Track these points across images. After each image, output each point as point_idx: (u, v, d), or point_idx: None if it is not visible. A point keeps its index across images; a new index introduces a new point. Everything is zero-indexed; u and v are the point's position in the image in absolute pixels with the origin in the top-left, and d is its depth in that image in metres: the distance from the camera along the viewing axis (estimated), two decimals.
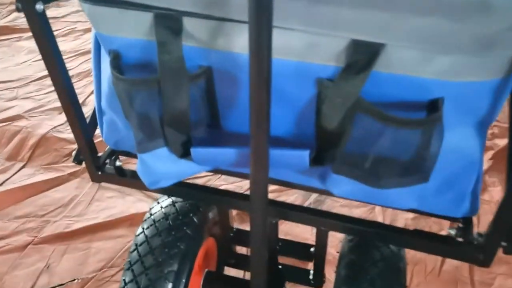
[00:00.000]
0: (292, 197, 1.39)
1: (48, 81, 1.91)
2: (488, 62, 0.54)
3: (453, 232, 0.75)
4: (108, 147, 0.86)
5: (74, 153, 0.87)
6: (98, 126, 0.83)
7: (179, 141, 0.68)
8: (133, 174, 0.86)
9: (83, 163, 0.87)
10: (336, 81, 0.56)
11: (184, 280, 0.85)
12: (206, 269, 0.97)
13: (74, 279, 1.19)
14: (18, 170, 1.51)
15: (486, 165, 1.52)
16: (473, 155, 0.65)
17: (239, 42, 0.58)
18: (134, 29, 0.62)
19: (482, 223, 1.33)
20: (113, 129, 0.79)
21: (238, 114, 0.68)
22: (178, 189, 0.82)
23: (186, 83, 0.61)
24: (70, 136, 1.63)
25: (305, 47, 0.57)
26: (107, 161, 0.86)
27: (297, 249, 0.95)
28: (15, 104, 1.81)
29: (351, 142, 0.61)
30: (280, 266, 0.98)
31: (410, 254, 1.25)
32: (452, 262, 1.24)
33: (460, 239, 0.75)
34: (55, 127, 1.68)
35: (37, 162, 1.55)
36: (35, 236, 1.30)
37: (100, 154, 0.86)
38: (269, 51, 0.48)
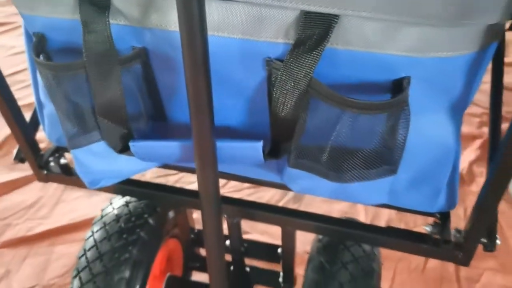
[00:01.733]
0: (269, 193, 1.31)
1: (20, 76, 1.83)
2: (462, 34, 0.46)
3: (429, 229, 0.68)
4: (52, 144, 0.78)
5: (14, 151, 0.80)
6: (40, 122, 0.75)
7: (116, 134, 0.60)
8: None
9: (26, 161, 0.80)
10: (286, 60, 0.48)
11: (138, 285, 0.77)
12: (168, 274, 0.89)
13: (35, 286, 1.11)
14: None
15: (473, 154, 1.45)
16: (447, 143, 0.57)
17: (173, 18, 0.51)
18: (56, 7, 0.54)
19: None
20: (55, 124, 0.71)
21: (184, 103, 0.60)
22: (123, 187, 0.75)
23: (117, 67, 0.53)
24: (38, 135, 1.54)
25: (249, 22, 0.49)
26: (51, 159, 0.78)
27: (264, 250, 0.88)
28: None
29: (307, 132, 0.54)
30: (247, 269, 0.90)
31: (393, 252, 1.18)
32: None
33: (437, 236, 0.68)
34: None
35: (1, 163, 1.46)
36: None
37: (43, 152, 0.79)
38: (203, 26, 0.40)
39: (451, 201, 0.65)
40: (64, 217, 1.28)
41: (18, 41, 2.05)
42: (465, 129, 1.55)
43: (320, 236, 0.78)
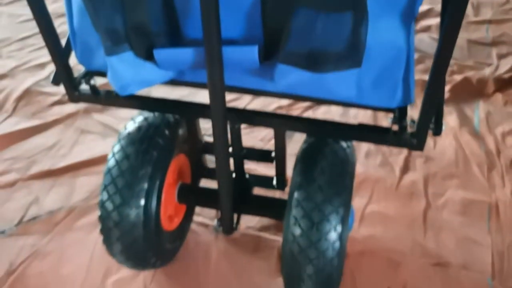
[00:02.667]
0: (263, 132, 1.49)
1: (30, 41, 1.98)
2: None
3: (390, 120, 0.86)
4: (83, 69, 0.94)
5: (52, 75, 0.95)
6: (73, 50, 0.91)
7: (142, 45, 0.77)
8: (107, 92, 0.96)
9: (61, 84, 0.96)
10: None
11: (158, 183, 0.95)
12: (180, 182, 1.07)
13: (61, 208, 1.29)
14: (3, 120, 1.59)
15: (445, 95, 1.63)
16: (399, 45, 0.75)
17: None
18: None
19: (438, 146, 1.46)
20: (86, 49, 0.88)
21: (196, 20, 0.77)
22: (144, 101, 0.92)
23: None
24: (52, 89, 1.71)
25: None
26: (83, 81, 0.94)
27: (260, 154, 1.05)
28: None
29: (293, 35, 0.71)
30: (247, 175, 1.08)
31: (370, 173, 1.37)
32: (409, 177, 1.36)
33: (396, 128, 0.85)
34: (37, 82, 1.75)
35: (21, 113, 1.62)
36: (23, 174, 1.39)
37: (76, 75, 0.95)
38: None
39: (407, 97, 0.82)
40: (82, 154, 1.45)
41: (25, 10, 2.19)
42: None
43: (305, 143, 0.95)
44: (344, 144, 0.93)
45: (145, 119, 1.00)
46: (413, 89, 0.81)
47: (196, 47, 0.76)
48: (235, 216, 1.05)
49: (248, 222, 1.23)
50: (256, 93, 0.88)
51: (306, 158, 0.91)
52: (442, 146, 1.46)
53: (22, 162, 1.43)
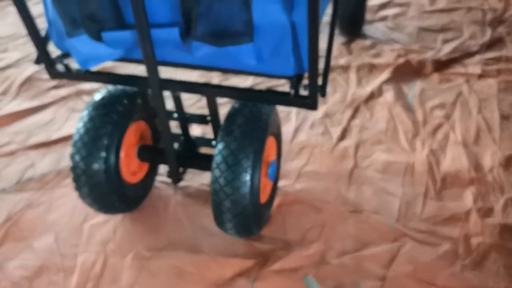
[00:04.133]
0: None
1: None
2: None
3: (289, 85, 1.10)
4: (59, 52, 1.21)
5: (34, 57, 1.22)
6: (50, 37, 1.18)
7: (94, 29, 1.04)
8: (78, 70, 1.22)
9: (41, 64, 1.22)
10: None
11: (116, 140, 1.21)
12: (140, 144, 1.33)
13: (51, 171, 1.56)
14: (8, 102, 1.88)
15: (385, 76, 1.86)
16: (282, 22, 0.98)
17: None
18: None
19: (373, 117, 1.69)
20: (59, 35, 1.15)
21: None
22: (104, 76, 1.18)
23: None
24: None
25: None
26: (59, 61, 1.21)
27: (198, 118, 1.31)
28: (6, 56, 2.17)
29: (200, 17, 0.96)
30: (192, 138, 1.34)
31: (311, 140, 1.60)
32: (344, 143, 1.60)
33: (292, 91, 1.09)
34: (37, 71, 2.04)
35: (24, 96, 1.91)
36: (23, 145, 1.67)
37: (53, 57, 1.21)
38: None
39: (301, 67, 1.06)
40: (72, 128, 1.72)
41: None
42: (385, 59, 1.96)
43: (231, 106, 1.20)
44: (261, 107, 1.18)
45: (108, 91, 1.27)
46: (306, 60, 1.04)
47: (134, 30, 1.02)
48: (182, 169, 1.32)
49: (203, 180, 1.49)
50: (182, 66, 1.13)
51: (229, 117, 1.16)
52: (377, 117, 1.69)
53: (22, 135, 1.72)
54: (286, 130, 1.65)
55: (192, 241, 1.32)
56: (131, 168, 1.32)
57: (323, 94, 1.11)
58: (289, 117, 1.71)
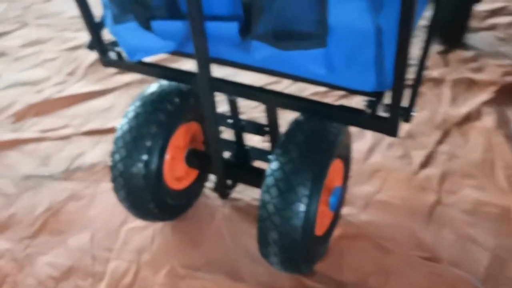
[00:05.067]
0: None
1: None
2: None
3: (365, 103, 0.89)
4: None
5: (88, 42, 1.11)
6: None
7: (143, 16, 0.89)
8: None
9: (94, 50, 1.11)
10: None
11: (161, 142, 1.07)
12: (189, 147, 1.18)
13: (101, 161, 1.47)
14: (74, 84, 1.83)
15: (489, 95, 1.57)
16: (366, 27, 0.78)
17: None
18: None
19: (468, 145, 1.42)
20: (110, 19, 1.02)
21: None
22: (155, 69, 1.05)
23: None
24: None
25: None
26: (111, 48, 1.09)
27: (255, 127, 1.13)
28: (78, 35, 2.14)
29: (264, 13, 0.79)
30: (247, 147, 1.17)
31: (387, 163, 1.37)
32: (427, 172, 1.35)
33: (369, 111, 0.88)
34: None
35: (89, 79, 1.85)
36: (78, 130, 1.60)
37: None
38: None
39: (382, 81, 0.85)
40: None
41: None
42: (488, 75, 1.66)
43: (293, 120, 1.01)
44: (329, 124, 0.98)
45: (160, 86, 1.13)
46: (390, 74, 0.84)
47: (187, 20, 0.87)
48: (231, 182, 1.15)
49: (256, 194, 1.32)
50: (237, 66, 0.96)
51: (288, 133, 0.97)
52: (471, 145, 1.42)
53: (79, 119, 1.65)
54: (359, 147, 1.43)
55: (233, 264, 1.16)
56: (176, 173, 1.18)
57: (407, 119, 0.89)
58: (363, 133, 1.49)
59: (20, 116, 1.69)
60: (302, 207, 0.91)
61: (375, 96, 0.89)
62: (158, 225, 1.27)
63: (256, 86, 0.97)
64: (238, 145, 1.15)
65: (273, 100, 0.96)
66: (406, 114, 0.87)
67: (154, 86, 1.13)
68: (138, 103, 1.09)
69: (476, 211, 1.24)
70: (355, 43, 0.81)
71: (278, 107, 0.99)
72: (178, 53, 1.01)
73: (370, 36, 0.79)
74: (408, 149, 1.43)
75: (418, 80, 0.90)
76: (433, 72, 1.70)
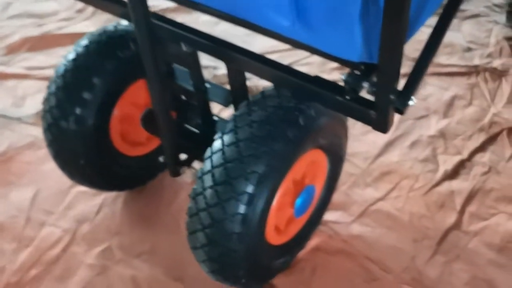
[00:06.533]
0: None
1: None
2: None
3: (344, 77, 0.62)
4: None
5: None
6: None
7: None
8: None
9: None
10: None
11: (105, 95, 0.86)
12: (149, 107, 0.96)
13: None
14: (78, 23, 1.66)
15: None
16: None
17: None
18: None
19: None
20: None
21: None
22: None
23: None
24: None
25: None
26: None
27: (222, 93, 0.87)
28: None
29: None
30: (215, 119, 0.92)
31: (404, 166, 1.09)
32: (452, 184, 1.05)
33: (348, 89, 0.61)
34: None
35: (96, 19, 1.67)
36: None
37: None
38: None
39: (369, 52, 0.58)
40: None
41: None
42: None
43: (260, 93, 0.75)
44: (306, 104, 0.71)
45: (115, 26, 0.90)
46: (377, 45, 0.56)
47: None
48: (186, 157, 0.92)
49: None
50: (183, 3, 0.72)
51: (245, 106, 0.72)
52: None
53: None
54: (373, 140, 1.14)
55: (177, 259, 0.94)
56: (130, 136, 0.97)
57: (400, 110, 0.60)
58: None
59: (13, 49, 1.54)
60: (240, 207, 0.67)
61: (363, 71, 0.61)
62: (111, 195, 1.07)
63: (212, 36, 0.72)
64: (202, 113, 0.91)
65: (229, 57, 0.71)
66: (401, 100, 0.58)
67: (110, 26, 0.91)
68: (83, 42, 0.88)
69: (507, 248, 0.93)
70: None
71: (237, 68, 0.74)
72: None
73: None
74: (436, 152, 1.12)
75: (427, 57, 0.61)
76: (494, 61, 1.35)
